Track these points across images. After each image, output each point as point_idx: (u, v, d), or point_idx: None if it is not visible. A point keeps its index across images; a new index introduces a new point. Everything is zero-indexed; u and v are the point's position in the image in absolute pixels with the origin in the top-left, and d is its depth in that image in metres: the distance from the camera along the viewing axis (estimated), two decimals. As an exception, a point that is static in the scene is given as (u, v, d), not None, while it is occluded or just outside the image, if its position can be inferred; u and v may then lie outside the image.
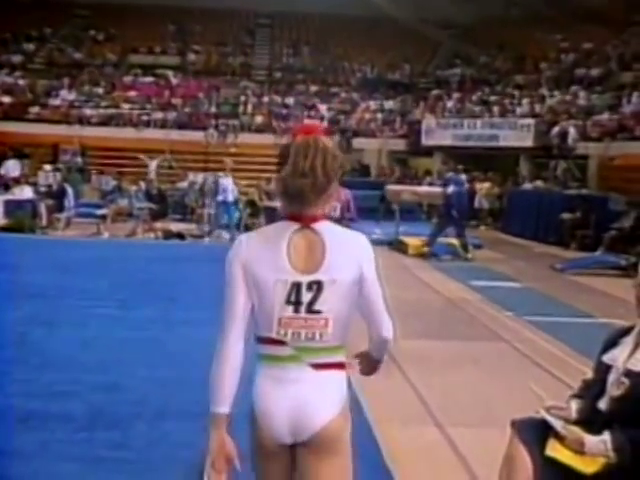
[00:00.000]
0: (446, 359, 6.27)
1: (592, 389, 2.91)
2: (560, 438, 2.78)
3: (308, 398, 2.08)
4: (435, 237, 13.10)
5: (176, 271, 10.10)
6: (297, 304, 2.06)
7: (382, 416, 4.32)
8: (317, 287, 2.06)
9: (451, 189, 13.11)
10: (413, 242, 13.60)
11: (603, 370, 2.86)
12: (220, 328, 2.10)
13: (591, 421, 2.80)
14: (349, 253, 2.11)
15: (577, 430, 2.77)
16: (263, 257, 2.07)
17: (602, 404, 2.80)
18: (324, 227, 2.11)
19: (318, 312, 2.07)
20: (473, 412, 4.87)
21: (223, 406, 2.09)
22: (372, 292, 2.16)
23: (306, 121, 25.40)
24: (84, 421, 4.23)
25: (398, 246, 13.85)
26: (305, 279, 2.06)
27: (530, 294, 9.82)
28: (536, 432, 2.82)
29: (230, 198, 15.02)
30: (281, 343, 2.08)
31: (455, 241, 13.16)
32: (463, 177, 14.12)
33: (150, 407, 4.53)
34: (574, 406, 2.92)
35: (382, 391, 4.80)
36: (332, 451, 2.11)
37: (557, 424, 2.81)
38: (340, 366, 2.14)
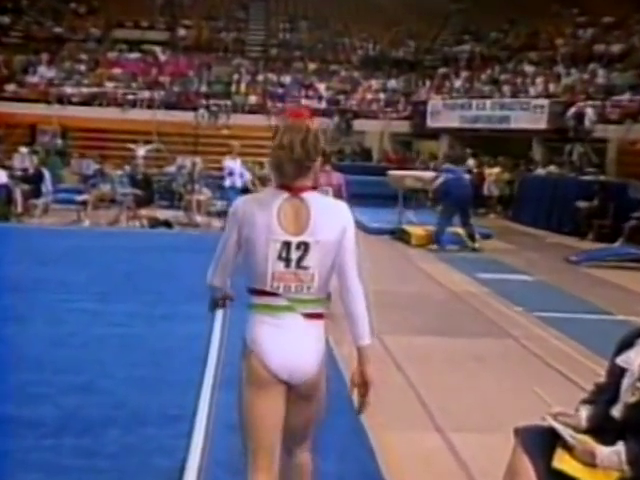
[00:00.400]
0: (448, 357, 6.24)
1: (605, 394, 2.86)
2: (568, 448, 2.73)
3: (303, 347, 2.61)
4: (443, 229, 12.89)
5: (162, 262, 10.07)
6: (287, 260, 2.59)
7: (378, 420, 4.25)
8: (304, 247, 2.59)
9: (440, 180, 12.92)
10: (417, 231, 13.54)
11: (617, 374, 2.81)
12: (212, 264, 2.75)
13: (603, 430, 2.75)
14: (331, 218, 2.64)
15: (587, 440, 2.72)
16: (257, 219, 2.59)
17: (615, 411, 2.75)
18: (310, 196, 2.64)
19: (306, 268, 2.60)
20: (476, 415, 4.84)
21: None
22: (348, 252, 2.65)
23: (303, 102, 25.33)
24: (53, 426, 4.17)
25: (401, 235, 13.79)
26: (294, 239, 2.58)
27: (542, 288, 9.79)
28: (542, 441, 2.77)
29: (238, 183, 14.75)
30: (275, 295, 2.61)
31: (461, 230, 13.07)
32: (471, 162, 14.02)
33: (126, 410, 4.49)
34: (584, 413, 2.87)
35: (378, 392, 4.72)
36: (314, 395, 2.70)
37: (565, 433, 2.76)
38: (322, 316, 2.69)
